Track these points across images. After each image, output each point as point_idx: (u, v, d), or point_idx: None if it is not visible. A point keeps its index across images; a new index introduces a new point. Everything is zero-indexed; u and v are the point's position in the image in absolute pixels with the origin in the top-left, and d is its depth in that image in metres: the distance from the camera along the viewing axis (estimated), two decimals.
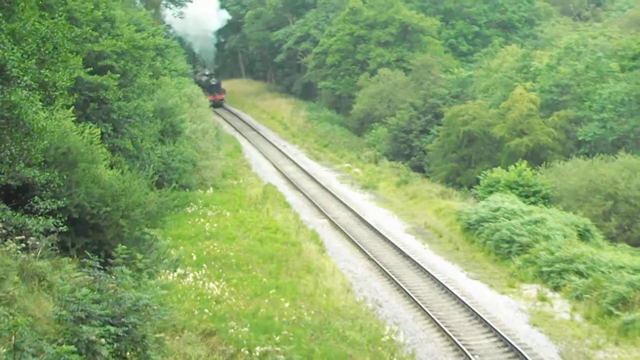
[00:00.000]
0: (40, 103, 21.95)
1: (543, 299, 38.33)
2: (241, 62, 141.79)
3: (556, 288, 39.60)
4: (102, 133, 36.01)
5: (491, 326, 34.39)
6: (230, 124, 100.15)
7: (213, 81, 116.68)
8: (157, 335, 22.47)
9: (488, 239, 46.67)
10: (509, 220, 46.66)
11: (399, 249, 46.70)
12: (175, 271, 34.77)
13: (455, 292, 38.89)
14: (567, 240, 42.99)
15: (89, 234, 27.51)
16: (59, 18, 23.23)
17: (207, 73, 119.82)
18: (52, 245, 24.07)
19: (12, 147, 21.10)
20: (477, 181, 59.70)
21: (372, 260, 44.72)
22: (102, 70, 41.80)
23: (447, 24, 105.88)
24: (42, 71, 21.19)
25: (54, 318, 19.23)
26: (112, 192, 28.19)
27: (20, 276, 20.42)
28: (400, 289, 39.95)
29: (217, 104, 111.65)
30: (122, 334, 19.77)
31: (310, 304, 34.76)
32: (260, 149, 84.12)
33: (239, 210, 52.49)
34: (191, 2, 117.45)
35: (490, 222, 47.57)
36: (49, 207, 24.78)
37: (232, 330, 29.52)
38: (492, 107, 68.83)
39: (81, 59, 31.03)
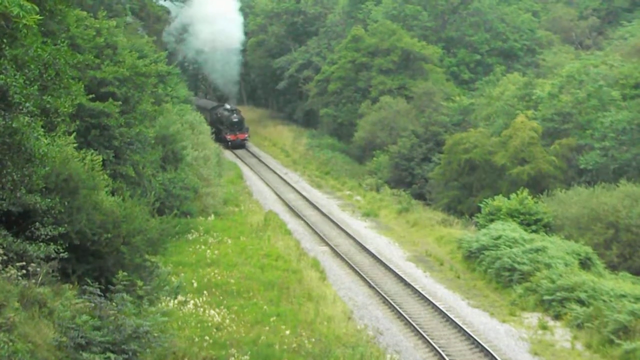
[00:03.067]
0: (42, 129, 22.00)
1: (544, 327, 38.23)
2: (243, 89, 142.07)
3: (557, 316, 39.50)
4: (103, 160, 36.04)
5: (492, 355, 34.28)
6: (232, 151, 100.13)
7: (235, 118, 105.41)
8: None
9: (489, 267, 46.58)
10: (510, 248, 46.59)
11: (400, 276, 46.61)
12: (175, 298, 34.79)
13: (456, 320, 38.80)
14: (569, 269, 42.89)
15: (90, 261, 27.51)
16: (62, 44, 23.35)
17: (228, 108, 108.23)
18: (53, 271, 24.06)
19: (14, 173, 21.12)
20: (479, 209, 59.56)
21: (373, 288, 44.63)
22: (104, 97, 41.91)
23: (449, 52, 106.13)
24: (44, 97, 21.27)
25: (54, 345, 19.22)
26: (113, 219, 28.22)
27: (21, 302, 20.40)
28: (401, 317, 39.85)
29: (238, 145, 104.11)
30: None
31: (311, 332, 34.72)
32: (262, 176, 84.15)
33: (240, 237, 52.46)
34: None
35: (492, 250, 47.49)
36: (50, 233, 24.81)
37: (233, 358, 29.51)
38: (494, 135, 68.77)
39: (83, 86, 31.16)
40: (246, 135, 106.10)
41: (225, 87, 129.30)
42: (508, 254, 45.70)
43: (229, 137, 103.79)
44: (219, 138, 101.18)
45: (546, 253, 44.95)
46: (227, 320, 34.44)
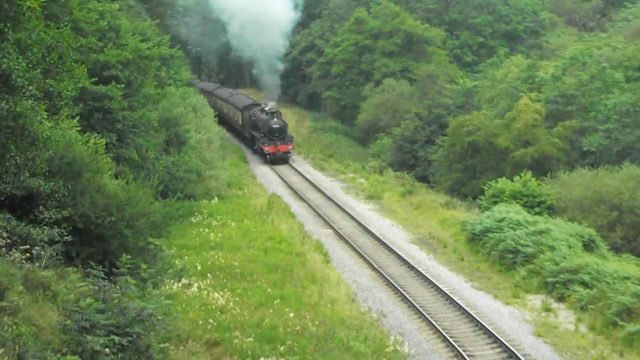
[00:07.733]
0: (46, 113, 21.98)
1: (548, 309, 38.23)
2: (246, 73, 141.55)
3: (561, 299, 39.50)
4: (106, 143, 35.99)
5: (496, 337, 34.29)
6: (234, 134, 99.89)
7: (275, 123, 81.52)
8: (162, 345, 22.50)
9: (493, 250, 46.57)
10: (514, 230, 46.56)
11: (403, 259, 46.60)
12: (179, 281, 34.80)
13: (459, 302, 38.78)
14: (572, 251, 42.89)
15: (94, 244, 27.50)
16: (64, 28, 23.38)
17: (267, 109, 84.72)
18: (57, 254, 24.05)
19: (17, 157, 21.12)
20: (482, 191, 59.53)
21: (377, 270, 44.62)
22: (107, 80, 41.88)
23: (452, 35, 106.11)
24: (47, 81, 21.26)
25: (58, 328, 19.24)
26: (117, 202, 28.22)
27: (25, 286, 20.43)
28: (404, 299, 39.86)
29: (278, 159, 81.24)
30: (126, 344, 19.77)
31: (314, 314, 34.71)
32: (265, 158, 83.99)
33: (244, 220, 52.44)
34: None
35: (495, 232, 47.47)
36: (53, 216, 24.83)
37: (237, 341, 29.53)
38: (497, 118, 68.79)
39: (86, 69, 31.12)
40: (290, 147, 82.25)
41: (265, 81, 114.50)
42: (511, 236, 45.69)
43: (267, 148, 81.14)
44: (253, 148, 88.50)
45: (550, 235, 44.94)
46: (231, 303, 34.43)
